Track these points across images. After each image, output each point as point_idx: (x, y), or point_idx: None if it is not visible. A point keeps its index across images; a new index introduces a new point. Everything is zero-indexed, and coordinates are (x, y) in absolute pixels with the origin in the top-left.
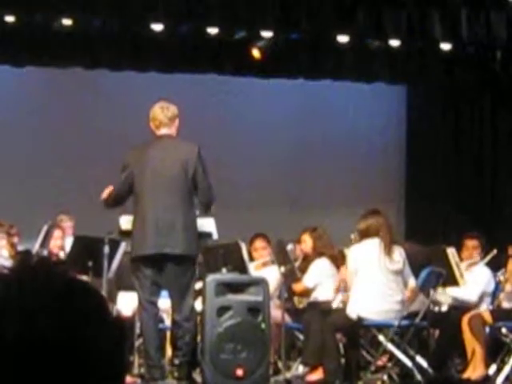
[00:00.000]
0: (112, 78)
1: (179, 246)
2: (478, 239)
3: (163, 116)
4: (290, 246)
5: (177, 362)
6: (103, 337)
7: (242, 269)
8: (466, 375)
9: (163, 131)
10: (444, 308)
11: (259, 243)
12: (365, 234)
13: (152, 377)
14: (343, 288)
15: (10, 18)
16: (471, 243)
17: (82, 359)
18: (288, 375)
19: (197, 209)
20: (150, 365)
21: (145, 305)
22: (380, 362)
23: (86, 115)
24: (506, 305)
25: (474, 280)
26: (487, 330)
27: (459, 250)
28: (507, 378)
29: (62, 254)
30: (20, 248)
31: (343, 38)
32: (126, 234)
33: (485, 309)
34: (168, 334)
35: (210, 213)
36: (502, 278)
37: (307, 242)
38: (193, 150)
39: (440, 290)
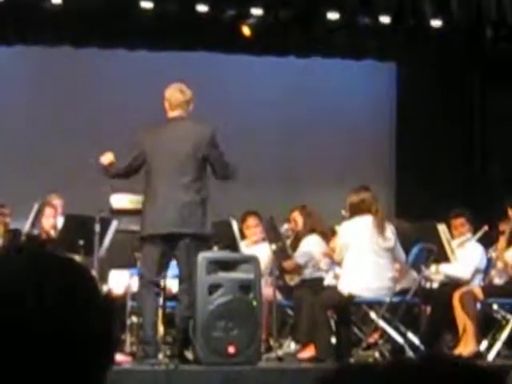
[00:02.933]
0: (101, 56)
1: (191, 224)
2: (463, 216)
3: (182, 99)
4: (285, 226)
5: (169, 339)
6: (92, 315)
7: (234, 247)
8: (457, 351)
9: (177, 113)
10: (435, 284)
11: (251, 221)
12: (356, 209)
13: (145, 353)
14: (332, 261)
15: None
16: (458, 221)
17: (71, 338)
18: (279, 352)
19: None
20: (145, 341)
21: (147, 283)
22: (371, 339)
23: (76, 94)
24: (497, 281)
25: (466, 256)
26: (478, 306)
27: (449, 229)
28: (498, 354)
29: (52, 233)
30: (12, 228)
31: (333, 15)
32: (117, 213)
33: (476, 285)
34: (160, 311)
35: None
36: (493, 254)
37: (297, 220)
38: (205, 132)
39: (433, 270)
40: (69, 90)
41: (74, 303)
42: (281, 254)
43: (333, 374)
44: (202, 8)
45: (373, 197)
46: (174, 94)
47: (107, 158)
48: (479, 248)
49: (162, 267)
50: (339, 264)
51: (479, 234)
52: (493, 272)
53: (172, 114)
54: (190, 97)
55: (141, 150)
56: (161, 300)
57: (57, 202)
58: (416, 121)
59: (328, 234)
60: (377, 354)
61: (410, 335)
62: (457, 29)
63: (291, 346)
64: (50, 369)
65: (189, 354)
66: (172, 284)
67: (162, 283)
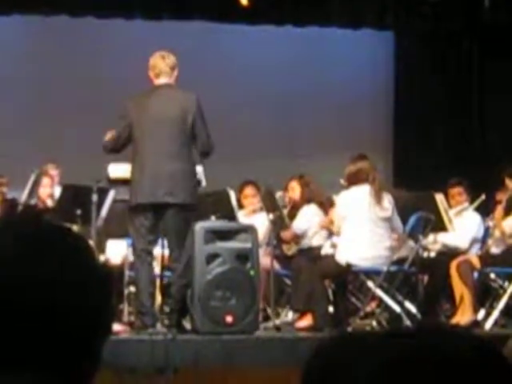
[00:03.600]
0: (98, 25)
1: (179, 194)
2: (461, 185)
3: (164, 65)
4: (278, 194)
5: (167, 309)
6: (90, 285)
7: (231, 216)
8: (454, 320)
9: (162, 80)
10: (433, 254)
11: (248, 191)
12: (354, 179)
13: (143, 324)
14: (330, 231)
15: None
16: (455, 190)
17: (68, 308)
18: (277, 322)
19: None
20: (142, 312)
21: (139, 253)
22: (369, 308)
23: (73, 64)
24: (494, 250)
25: (464, 226)
26: (476, 275)
27: (446, 198)
28: (496, 323)
29: (49, 202)
30: (9, 197)
31: None
32: (114, 182)
33: (473, 254)
34: (158, 281)
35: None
36: (490, 223)
37: (295, 189)
38: (191, 99)
39: (431, 237)
40: (65, 59)
41: (72, 273)
42: (278, 224)
43: (328, 343)
44: None
45: (370, 165)
46: (157, 61)
47: (109, 134)
48: (477, 217)
49: (154, 236)
50: (337, 235)
51: (476, 203)
52: (490, 241)
53: (158, 81)
54: (174, 62)
55: (128, 120)
56: (157, 269)
57: (54, 171)
58: (413, 91)
59: (326, 204)
60: (374, 323)
61: (408, 304)
62: None
63: (289, 315)
64: (47, 339)
65: (187, 324)
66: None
67: (154, 251)
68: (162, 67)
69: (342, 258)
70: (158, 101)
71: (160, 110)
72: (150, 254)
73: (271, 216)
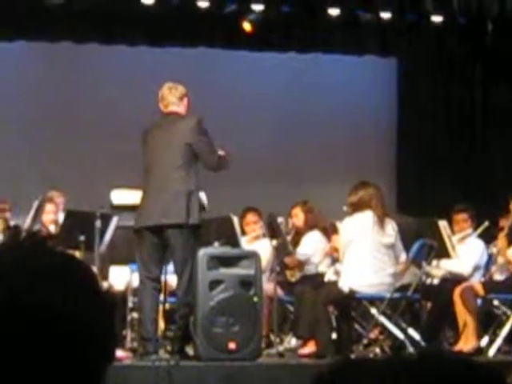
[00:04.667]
0: (102, 52)
1: (173, 214)
2: (467, 212)
3: (172, 96)
4: (280, 220)
5: (170, 335)
6: (93, 311)
7: (234, 242)
8: (458, 347)
9: (170, 110)
10: (436, 280)
11: (251, 217)
12: (356, 207)
13: (145, 350)
14: (334, 258)
15: None
16: (460, 217)
17: (71, 333)
18: (280, 348)
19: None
20: (145, 338)
21: (143, 279)
22: (372, 335)
23: (77, 90)
24: (498, 277)
25: (467, 252)
26: (479, 302)
27: (450, 224)
28: (499, 350)
29: (53, 229)
30: (12, 223)
31: (334, 11)
32: (117, 209)
33: (477, 281)
34: (161, 307)
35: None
36: (494, 250)
37: (299, 216)
38: (191, 123)
39: (434, 264)
40: (70, 86)
41: (75, 300)
42: (282, 250)
43: (330, 369)
44: (202, 3)
45: (373, 192)
46: (164, 92)
47: None
48: (480, 244)
49: (158, 262)
50: (342, 262)
51: (480, 229)
52: (493, 268)
53: (166, 110)
54: (182, 93)
55: (144, 150)
56: (161, 295)
57: (59, 199)
58: (417, 117)
59: (329, 230)
60: (377, 350)
61: (411, 331)
62: (458, 24)
63: (292, 341)
64: (50, 365)
65: (189, 350)
66: (172, 279)
67: (161, 278)
68: (169, 99)
69: (346, 284)
70: (162, 129)
71: (163, 137)
72: (155, 280)
73: (274, 242)
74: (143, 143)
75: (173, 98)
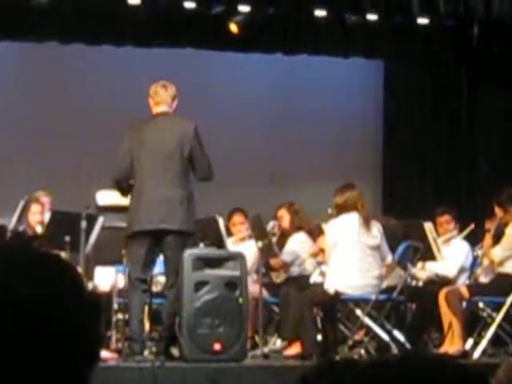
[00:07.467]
0: (89, 52)
1: (175, 221)
2: (449, 213)
3: (166, 94)
4: (271, 224)
5: (155, 336)
6: (77, 311)
7: (220, 244)
8: (442, 349)
9: (161, 109)
10: (421, 282)
11: (237, 218)
12: (342, 209)
13: (132, 351)
14: (320, 260)
15: None
16: (443, 219)
17: (57, 334)
18: (265, 350)
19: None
20: (132, 338)
21: (133, 281)
22: (357, 337)
23: (62, 91)
24: (483, 279)
25: (452, 254)
26: (464, 304)
27: (434, 226)
28: (484, 352)
29: (39, 229)
30: None
31: (321, 13)
32: (103, 209)
33: (462, 283)
34: (146, 308)
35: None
36: (479, 252)
37: (284, 217)
38: (189, 128)
39: (419, 266)
40: (56, 87)
41: (60, 300)
42: (267, 252)
43: (314, 371)
44: (189, 4)
45: (358, 194)
46: (159, 89)
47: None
48: (465, 246)
49: (149, 264)
50: (327, 263)
51: (465, 232)
52: (479, 270)
53: (156, 110)
54: (174, 93)
55: (127, 148)
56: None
57: (45, 199)
58: (403, 119)
59: (315, 232)
60: (362, 352)
61: (396, 333)
62: (444, 26)
63: (277, 343)
64: (36, 365)
65: (175, 351)
66: (158, 281)
67: (148, 280)
68: (163, 96)
69: (331, 286)
70: (155, 130)
71: (157, 138)
72: (145, 281)
73: (260, 244)
74: (129, 138)
75: (166, 97)
